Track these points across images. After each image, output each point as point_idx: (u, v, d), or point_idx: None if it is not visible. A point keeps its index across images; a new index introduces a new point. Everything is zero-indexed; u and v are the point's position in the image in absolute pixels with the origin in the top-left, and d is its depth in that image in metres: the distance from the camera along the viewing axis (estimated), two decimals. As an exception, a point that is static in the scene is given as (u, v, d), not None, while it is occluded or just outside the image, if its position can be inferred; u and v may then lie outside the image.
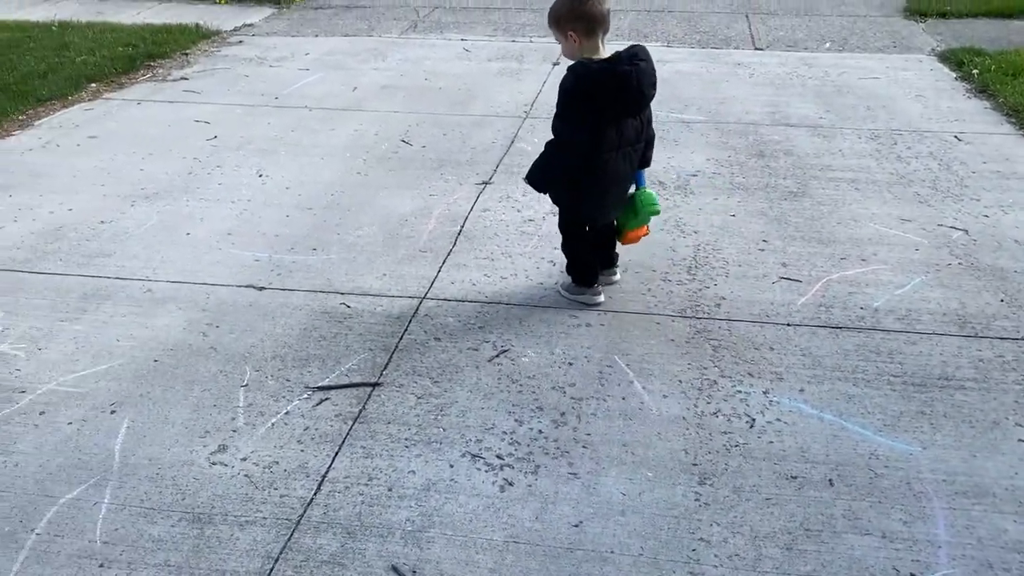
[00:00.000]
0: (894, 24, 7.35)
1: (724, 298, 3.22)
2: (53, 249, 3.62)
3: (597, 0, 2.82)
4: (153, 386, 2.74)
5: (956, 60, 6.12)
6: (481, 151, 4.65)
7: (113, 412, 2.62)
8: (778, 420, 2.56)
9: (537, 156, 3.01)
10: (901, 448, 2.44)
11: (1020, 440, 2.46)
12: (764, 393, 2.68)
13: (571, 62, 2.89)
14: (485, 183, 4.24)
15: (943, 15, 7.50)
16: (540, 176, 3.01)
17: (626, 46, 2.90)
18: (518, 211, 3.93)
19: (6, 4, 8.34)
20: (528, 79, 5.95)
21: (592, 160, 2.88)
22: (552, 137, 2.96)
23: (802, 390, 2.69)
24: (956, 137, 4.74)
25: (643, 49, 2.88)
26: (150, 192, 4.17)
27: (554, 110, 2.94)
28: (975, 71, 5.77)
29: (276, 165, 4.49)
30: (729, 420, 2.56)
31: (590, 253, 3.18)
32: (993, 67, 5.75)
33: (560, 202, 3.12)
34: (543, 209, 3.93)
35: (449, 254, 3.56)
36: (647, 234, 3.27)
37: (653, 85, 2.88)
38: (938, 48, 6.58)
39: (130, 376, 2.79)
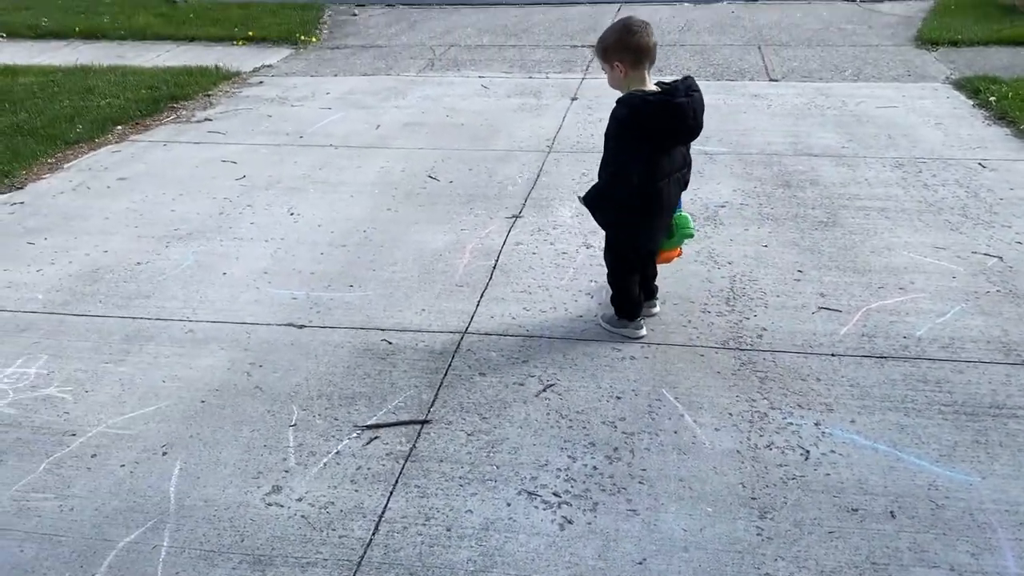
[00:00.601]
0: (906, 53, 7.41)
1: (765, 329, 3.21)
2: (92, 291, 3.64)
3: (645, 32, 2.88)
4: (202, 427, 2.74)
5: (972, 88, 6.17)
6: (508, 185, 4.69)
7: (165, 454, 2.61)
8: (833, 452, 2.55)
9: (594, 183, 3.02)
10: (960, 478, 2.42)
11: (1079, 468, 2.44)
12: (816, 425, 2.67)
13: (619, 94, 2.93)
14: (515, 217, 4.27)
15: (954, 44, 7.56)
16: (598, 202, 3.02)
17: (677, 78, 2.93)
18: (551, 244, 3.95)
19: (28, 49, 8.46)
20: (548, 114, 6.00)
21: (647, 189, 2.91)
22: (606, 166, 2.98)
23: (853, 421, 2.68)
24: (980, 164, 4.76)
25: (693, 80, 2.93)
26: (183, 233, 4.20)
27: (601, 141, 2.95)
28: (992, 98, 5.81)
29: (306, 203, 4.52)
30: (783, 453, 2.55)
31: (638, 285, 3.19)
32: (1011, 94, 5.80)
33: (613, 231, 3.14)
34: (576, 242, 3.95)
35: (486, 288, 3.57)
36: (679, 256, 3.28)
37: (701, 112, 2.92)
38: (952, 76, 6.64)
39: (179, 417, 2.79)
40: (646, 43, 2.87)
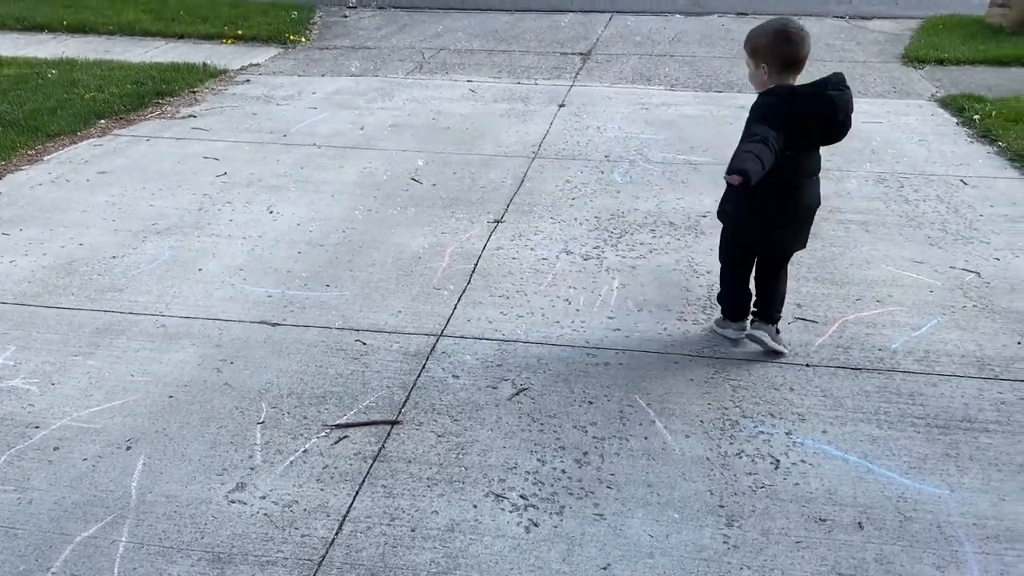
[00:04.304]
0: (893, 71, 7.46)
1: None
2: (64, 284, 3.60)
3: (802, 44, 2.78)
4: (169, 422, 2.70)
5: (956, 106, 6.21)
6: (491, 190, 4.67)
7: (129, 448, 2.57)
8: (803, 462, 2.53)
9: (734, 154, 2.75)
10: (929, 491, 2.41)
11: (1048, 483, 2.44)
12: (787, 434, 2.66)
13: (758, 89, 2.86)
14: (497, 221, 4.25)
15: (940, 62, 7.61)
16: (751, 166, 2.64)
17: (826, 74, 2.81)
18: (531, 249, 3.93)
19: (13, 41, 8.40)
20: (534, 120, 6.00)
21: (791, 180, 2.83)
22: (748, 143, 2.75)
23: (825, 431, 2.67)
24: (962, 181, 4.78)
25: (843, 76, 2.82)
26: (161, 228, 4.16)
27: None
28: (976, 117, 5.84)
29: (286, 201, 4.49)
30: (753, 461, 2.54)
31: (746, 284, 3.14)
32: (994, 113, 5.83)
33: (737, 222, 3.05)
34: (557, 248, 3.93)
35: (464, 291, 3.55)
36: None
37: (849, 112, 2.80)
38: (938, 94, 6.68)
39: (145, 412, 2.75)
40: (799, 55, 2.79)
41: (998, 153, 5.26)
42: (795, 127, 2.74)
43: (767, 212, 2.91)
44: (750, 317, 3.16)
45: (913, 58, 7.76)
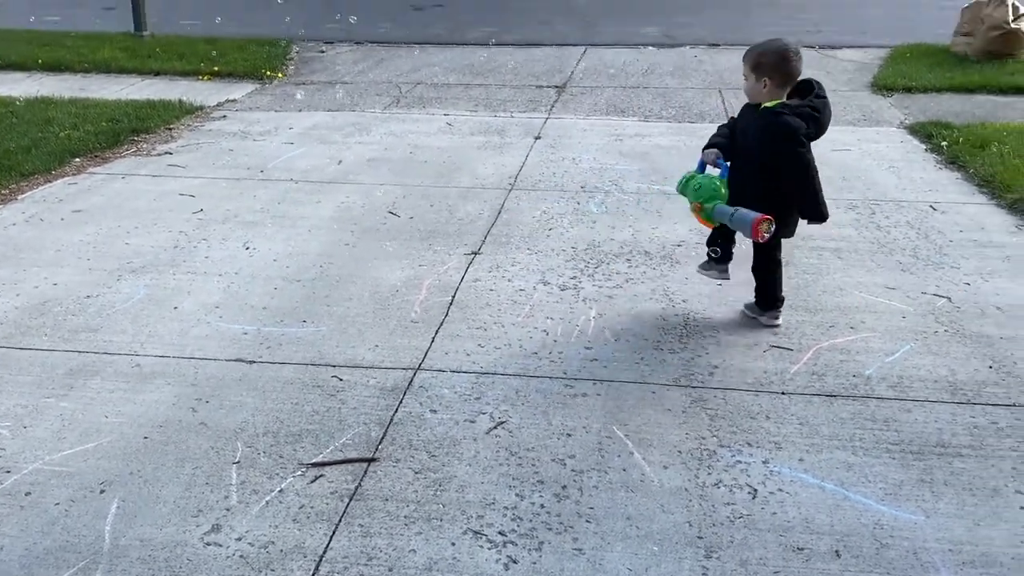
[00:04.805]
0: (862, 99, 7.59)
1: (717, 366, 3.23)
2: (37, 324, 3.57)
3: (800, 60, 3.23)
4: (143, 464, 2.67)
5: (925, 133, 6.32)
6: (468, 222, 4.69)
7: (102, 492, 2.54)
8: (780, 490, 2.54)
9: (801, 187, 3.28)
10: (905, 517, 2.43)
11: (1022, 508, 2.46)
12: (764, 463, 2.67)
13: (766, 104, 3.26)
14: (475, 253, 4.27)
15: (908, 90, 7.76)
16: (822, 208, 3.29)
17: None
18: (509, 280, 3.95)
19: (-12, 80, 8.37)
20: (511, 152, 6.04)
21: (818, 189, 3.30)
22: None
23: (801, 459, 2.69)
24: (932, 207, 4.86)
25: (821, 85, 3.30)
26: (136, 266, 4.14)
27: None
28: (944, 143, 5.95)
29: (263, 237, 4.49)
30: (731, 491, 2.54)
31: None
32: (961, 139, 5.94)
33: (786, 227, 3.39)
34: (534, 279, 3.95)
35: (442, 324, 3.55)
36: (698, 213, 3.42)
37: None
38: (906, 121, 6.80)
39: (119, 454, 2.72)
40: (797, 71, 3.24)
41: (966, 179, 5.36)
42: (813, 136, 3.24)
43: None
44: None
45: (882, 86, 7.91)
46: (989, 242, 4.36)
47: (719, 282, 3.64)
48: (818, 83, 3.28)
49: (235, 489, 2.56)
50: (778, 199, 3.25)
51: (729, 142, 3.38)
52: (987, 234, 4.47)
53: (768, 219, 3.16)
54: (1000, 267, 4.07)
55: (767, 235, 3.18)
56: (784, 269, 3.56)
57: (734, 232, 3.45)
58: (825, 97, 3.27)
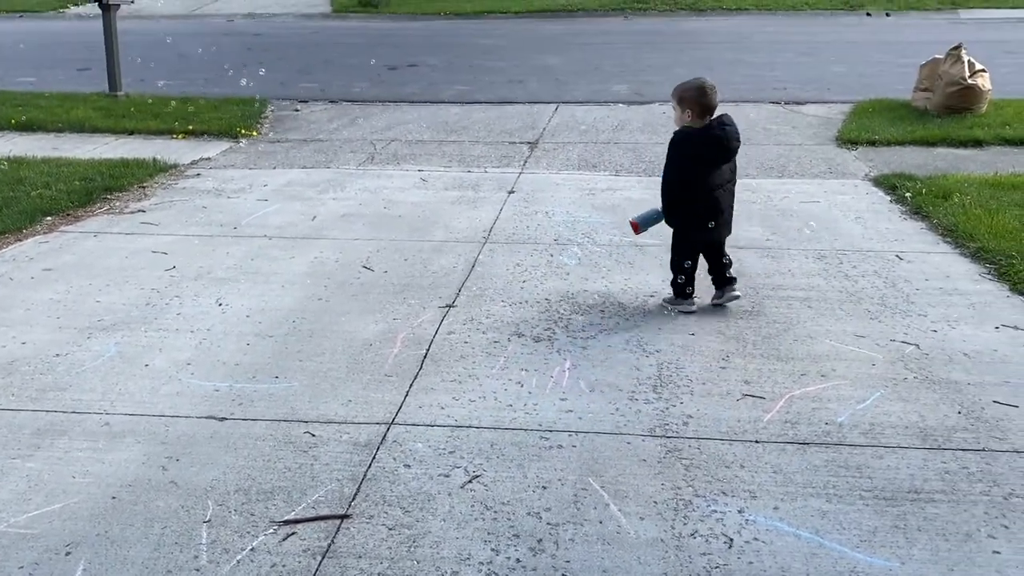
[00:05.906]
0: (828, 152, 7.77)
1: (691, 416, 3.24)
2: (5, 384, 3.52)
3: (714, 94, 4.02)
4: (111, 524, 2.62)
5: (889, 184, 6.47)
6: (443, 275, 4.71)
7: (68, 554, 2.48)
8: (756, 539, 2.54)
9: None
10: (880, 564, 2.43)
11: (995, 552, 2.47)
12: (739, 512, 2.67)
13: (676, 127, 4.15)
14: (449, 306, 4.28)
15: (872, 143, 7.96)
16: (670, 210, 4.18)
17: (717, 115, 4.04)
18: (483, 333, 3.96)
19: (-40, 140, 8.36)
20: (485, 207, 6.10)
21: (699, 195, 4.05)
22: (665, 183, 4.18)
23: (776, 508, 2.69)
24: (898, 256, 4.96)
25: (729, 116, 4.08)
26: (107, 324, 4.11)
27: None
28: (908, 195, 6.10)
29: (236, 293, 4.48)
30: (707, 541, 2.53)
31: (693, 271, 4.16)
32: (924, 191, 6.09)
33: (677, 227, 4.19)
34: (508, 331, 3.96)
35: (416, 378, 3.54)
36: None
37: (738, 140, 4.08)
38: (871, 174, 6.96)
39: (86, 515, 2.66)
40: (713, 103, 4.02)
41: (930, 228, 5.48)
42: (695, 156, 4.03)
43: (700, 216, 4.12)
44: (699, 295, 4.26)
45: (846, 140, 8.10)
46: (955, 290, 4.45)
47: (691, 311, 4.16)
48: (728, 116, 4.06)
49: (205, 549, 2.52)
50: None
51: None
52: (952, 282, 4.56)
53: (633, 223, 4.31)
54: (966, 314, 4.14)
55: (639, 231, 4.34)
56: (755, 319, 3.62)
57: (694, 269, 4.20)
58: (729, 126, 4.02)
